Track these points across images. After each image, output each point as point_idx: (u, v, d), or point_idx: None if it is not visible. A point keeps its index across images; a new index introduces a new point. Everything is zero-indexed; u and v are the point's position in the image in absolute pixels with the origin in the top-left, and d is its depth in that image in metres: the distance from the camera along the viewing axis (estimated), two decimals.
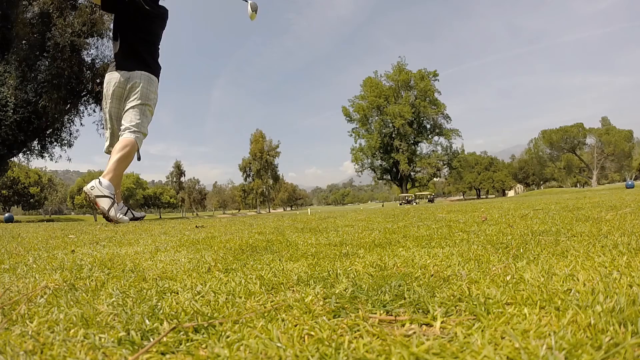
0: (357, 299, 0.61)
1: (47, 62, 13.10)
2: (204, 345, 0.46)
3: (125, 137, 3.32)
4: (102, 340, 0.48)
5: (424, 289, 0.64)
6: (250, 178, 61.59)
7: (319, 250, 1.17)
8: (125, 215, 3.67)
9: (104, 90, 3.55)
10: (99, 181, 3.13)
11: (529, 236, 1.23)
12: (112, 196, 3.13)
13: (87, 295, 0.71)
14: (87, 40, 14.10)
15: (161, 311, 0.58)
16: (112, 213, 3.10)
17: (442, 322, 0.50)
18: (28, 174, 44.10)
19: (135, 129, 3.36)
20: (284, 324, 0.52)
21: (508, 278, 0.69)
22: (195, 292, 0.71)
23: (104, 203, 3.07)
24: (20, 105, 12.44)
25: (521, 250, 0.97)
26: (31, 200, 45.22)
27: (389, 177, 44.83)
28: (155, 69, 3.56)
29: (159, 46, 3.70)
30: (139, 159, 3.55)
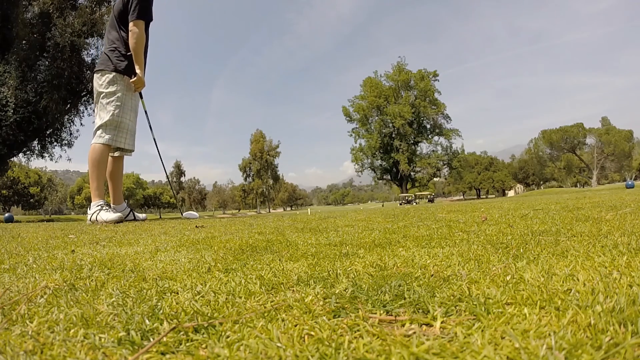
0: (357, 299, 0.61)
1: (47, 62, 13.10)
2: (204, 345, 0.46)
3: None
4: (102, 340, 0.48)
5: (424, 289, 0.64)
6: (250, 178, 61.57)
7: (319, 250, 1.17)
8: (127, 216, 3.70)
9: None
10: (89, 207, 3.47)
11: (529, 236, 1.23)
12: (98, 207, 3.39)
13: (87, 295, 0.71)
14: (87, 40, 14.08)
15: (161, 311, 0.58)
16: (92, 218, 3.38)
17: (442, 322, 0.50)
18: (28, 174, 44.12)
19: (96, 134, 3.47)
20: (284, 324, 0.52)
21: (508, 278, 0.69)
22: (195, 292, 0.71)
23: (93, 217, 3.39)
24: (21, 105, 12.44)
25: (521, 250, 0.97)
26: (31, 200, 45.23)
27: (389, 177, 44.82)
28: (102, 61, 3.56)
29: (115, 40, 3.56)
30: (123, 153, 3.69)
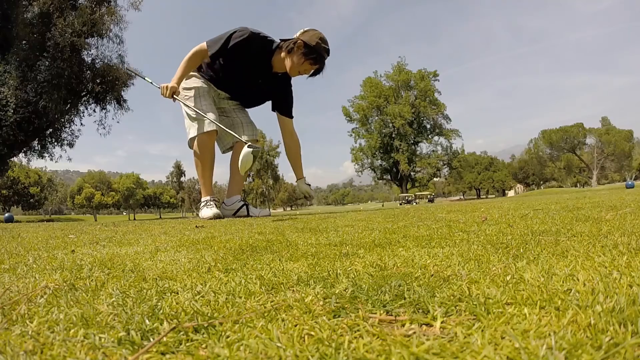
0: (357, 299, 0.61)
1: (47, 62, 13.10)
2: (204, 345, 0.46)
3: None
4: (102, 340, 0.48)
5: (424, 289, 0.64)
6: (250, 178, 61.53)
7: (319, 250, 1.17)
8: (237, 211, 3.71)
9: None
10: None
11: (529, 236, 1.23)
12: (203, 203, 3.46)
13: (87, 295, 0.71)
14: (87, 41, 14.09)
15: (161, 311, 0.58)
16: (200, 215, 3.46)
17: (442, 322, 0.50)
18: (28, 174, 44.15)
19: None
20: (284, 324, 0.52)
21: (508, 278, 0.69)
22: (195, 292, 0.71)
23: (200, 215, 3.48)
24: (21, 105, 12.45)
25: (521, 250, 0.97)
26: (31, 200, 45.25)
27: (389, 177, 44.83)
28: None
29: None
30: (222, 151, 3.82)
